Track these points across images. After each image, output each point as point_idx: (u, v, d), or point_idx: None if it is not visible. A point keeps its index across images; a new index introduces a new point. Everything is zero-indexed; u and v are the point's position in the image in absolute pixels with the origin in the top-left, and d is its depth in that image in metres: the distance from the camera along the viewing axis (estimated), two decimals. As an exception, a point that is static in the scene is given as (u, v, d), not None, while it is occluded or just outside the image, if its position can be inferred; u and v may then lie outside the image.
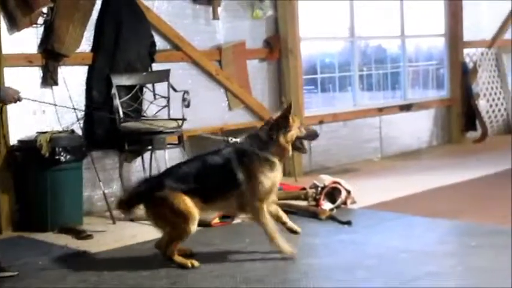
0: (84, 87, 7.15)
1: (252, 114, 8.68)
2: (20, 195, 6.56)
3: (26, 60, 6.73)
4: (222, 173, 5.14)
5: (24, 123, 6.65)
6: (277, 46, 8.82)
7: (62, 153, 6.40)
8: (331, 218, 6.43)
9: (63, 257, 5.57)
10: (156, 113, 7.39)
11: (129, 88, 7.26)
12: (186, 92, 7.29)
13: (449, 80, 11.36)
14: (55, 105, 6.58)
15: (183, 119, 7.05)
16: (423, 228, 6.16)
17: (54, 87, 6.88)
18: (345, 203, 6.89)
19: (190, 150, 7.53)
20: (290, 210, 6.66)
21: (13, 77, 6.47)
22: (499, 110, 12.02)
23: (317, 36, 9.67)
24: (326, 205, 6.75)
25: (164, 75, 7.47)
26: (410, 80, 10.99)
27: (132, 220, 6.50)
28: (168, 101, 7.39)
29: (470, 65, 11.62)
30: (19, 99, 5.38)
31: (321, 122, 9.25)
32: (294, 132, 5.24)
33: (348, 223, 6.24)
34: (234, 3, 8.43)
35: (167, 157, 6.85)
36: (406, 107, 10.57)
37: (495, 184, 7.99)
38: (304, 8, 9.07)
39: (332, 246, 5.70)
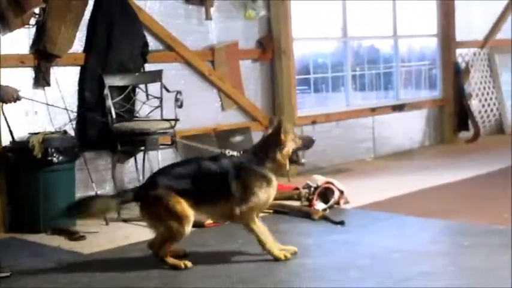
0: (76, 88, 7.14)
1: (245, 114, 8.68)
2: (12, 197, 6.54)
3: (18, 60, 6.72)
4: (217, 180, 5.15)
5: (17, 124, 6.62)
6: (270, 46, 8.82)
7: (54, 154, 6.39)
8: (324, 218, 6.44)
9: (56, 258, 5.55)
10: (148, 113, 7.38)
11: (121, 89, 7.25)
12: (178, 92, 7.28)
13: (441, 80, 11.38)
14: (53, 105, 6.56)
15: (176, 120, 7.04)
16: (416, 228, 6.17)
17: (46, 88, 6.87)
18: (337, 203, 6.90)
19: (183, 151, 7.52)
20: (283, 211, 6.68)
21: (5, 78, 6.44)
22: (491, 110, 12.06)
23: (310, 37, 9.68)
24: (319, 205, 6.75)
25: (157, 76, 7.46)
26: (403, 80, 11.01)
27: (125, 221, 6.49)
28: (161, 102, 7.38)
29: (463, 65, 11.65)
30: (18, 98, 5.37)
31: (313, 122, 9.27)
32: (290, 146, 5.25)
33: (341, 223, 6.25)
34: (226, 4, 8.43)
35: (160, 158, 6.84)
36: (399, 107, 10.58)
37: (488, 184, 8.01)
38: (296, 8, 9.07)
39: (325, 246, 5.70)
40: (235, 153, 5.39)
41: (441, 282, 4.67)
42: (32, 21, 6.74)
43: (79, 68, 7.14)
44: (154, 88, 7.45)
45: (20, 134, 6.56)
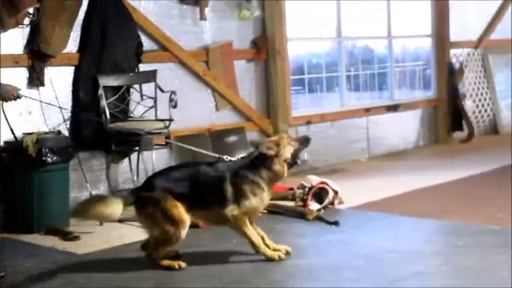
0: (70, 88, 7.13)
1: (239, 114, 8.68)
2: (6, 197, 6.50)
3: (12, 61, 6.70)
4: (212, 186, 5.15)
5: (11, 124, 6.60)
6: (265, 47, 8.82)
7: (48, 154, 6.38)
8: (319, 218, 6.44)
9: (51, 259, 5.54)
10: (143, 113, 7.38)
11: (116, 89, 7.24)
12: (173, 92, 7.27)
13: (435, 81, 11.40)
14: (50, 104, 6.54)
15: (170, 120, 7.04)
16: (410, 228, 6.17)
17: (40, 88, 6.86)
18: (332, 203, 6.90)
19: (177, 151, 7.52)
20: (277, 211, 6.67)
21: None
22: (486, 111, 12.08)
23: (304, 37, 9.68)
24: (313, 205, 6.75)
25: (151, 76, 7.46)
26: (397, 81, 11.02)
27: (119, 221, 6.48)
28: (155, 102, 7.37)
29: (457, 66, 11.66)
30: (18, 96, 5.37)
31: (308, 123, 9.27)
32: (287, 152, 5.24)
33: (335, 223, 6.25)
34: (221, 4, 8.42)
35: (154, 158, 6.84)
36: (393, 108, 10.59)
37: (482, 184, 8.03)
38: (291, 8, 9.08)
39: (319, 246, 5.70)
40: (233, 158, 5.39)
41: (435, 282, 4.67)
42: (26, 21, 6.73)
43: (73, 68, 7.13)
44: (148, 88, 7.44)
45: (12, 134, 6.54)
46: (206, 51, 8.32)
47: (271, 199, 6.42)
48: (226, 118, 8.53)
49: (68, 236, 6.16)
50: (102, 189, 7.21)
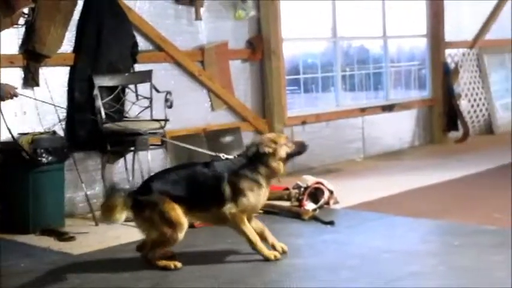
0: (65, 88, 7.11)
1: (235, 115, 8.68)
2: (1, 197, 6.51)
3: (7, 61, 6.65)
4: (210, 186, 5.16)
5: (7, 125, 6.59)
6: (260, 47, 8.81)
7: (43, 155, 6.37)
8: (314, 218, 6.44)
9: (46, 259, 5.53)
10: (138, 113, 7.37)
11: (111, 89, 7.23)
12: (168, 92, 7.26)
13: (431, 81, 11.41)
14: (46, 102, 6.52)
15: (166, 120, 7.03)
16: (406, 228, 6.18)
17: (35, 88, 6.84)
18: (327, 203, 6.91)
19: (173, 152, 7.51)
20: (273, 211, 6.67)
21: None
22: (481, 110, 12.10)
23: (300, 37, 9.68)
24: (309, 205, 6.76)
25: (146, 76, 7.45)
26: (393, 81, 11.03)
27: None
28: (151, 102, 7.36)
29: (452, 66, 11.68)
30: (15, 95, 5.35)
31: (303, 123, 9.27)
32: (283, 152, 5.25)
33: (331, 223, 6.25)
34: (216, 4, 8.42)
35: (150, 158, 6.84)
36: (389, 108, 10.60)
37: (477, 184, 8.04)
38: (286, 8, 9.08)
39: (315, 246, 5.70)
40: (230, 156, 5.39)
41: (431, 282, 4.68)
42: (21, 21, 6.71)
43: (68, 68, 7.12)
44: (144, 88, 7.43)
45: (9, 134, 6.52)
46: (201, 51, 8.31)
47: (268, 199, 6.44)
48: (222, 118, 8.52)
49: (63, 237, 6.15)
50: (97, 189, 7.20)
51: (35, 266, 5.34)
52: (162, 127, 6.97)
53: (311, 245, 5.76)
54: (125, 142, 6.95)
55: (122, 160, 7.34)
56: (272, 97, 8.87)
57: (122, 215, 5.11)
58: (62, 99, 7.04)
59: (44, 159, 6.38)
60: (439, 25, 11.26)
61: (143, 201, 5.10)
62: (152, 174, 5.77)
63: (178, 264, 5.10)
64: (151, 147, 7.01)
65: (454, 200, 7.22)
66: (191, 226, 6.07)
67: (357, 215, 6.68)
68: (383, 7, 10.64)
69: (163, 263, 5.10)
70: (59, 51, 7.00)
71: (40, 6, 6.74)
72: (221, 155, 5.40)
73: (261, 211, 6.40)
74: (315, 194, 6.91)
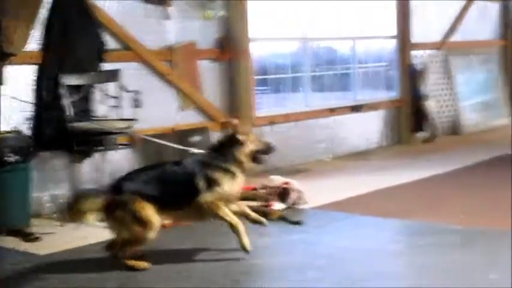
0: (31, 87, 7.03)
1: (203, 114, 8.66)
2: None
3: (-29, 59, 6.60)
4: (183, 183, 5.16)
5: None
6: (229, 47, 8.80)
7: (8, 154, 6.29)
8: (282, 218, 6.44)
9: (10, 260, 5.46)
10: (106, 113, 7.31)
11: (78, 88, 7.17)
12: (136, 92, 7.22)
13: (399, 82, 11.48)
14: (15, 99, 6.45)
15: (134, 119, 6.98)
16: (373, 228, 6.20)
17: (0, 87, 6.75)
18: (296, 203, 6.91)
19: (141, 151, 7.47)
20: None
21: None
22: (448, 111, 12.21)
23: (268, 37, 9.68)
24: (277, 205, 6.75)
25: (114, 75, 7.39)
26: (361, 81, 11.08)
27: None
28: (119, 101, 7.31)
29: (419, 67, 11.75)
30: None
31: (272, 123, 9.27)
32: (251, 147, 5.32)
33: (298, 223, 6.26)
34: (185, 4, 8.39)
35: (117, 158, 6.79)
36: (357, 108, 10.65)
37: (445, 184, 8.10)
38: (255, 8, 9.07)
39: (283, 246, 5.71)
40: (201, 151, 5.40)
41: (398, 282, 4.69)
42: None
43: (35, 66, 7.04)
44: (112, 88, 7.37)
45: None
46: (170, 51, 8.28)
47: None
48: (190, 118, 8.50)
49: (28, 237, 6.08)
50: (64, 189, 7.12)
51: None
52: (130, 127, 6.92)
53: (279, 245, 5.76)
54: (91, 141, 6.89)
55: (89, 159, 7.27)
56: (240, 97, 8.87)
57: (91, 215, 5.07)
58: (27, 98, 6.96)
59: (9, 159, 6.29)
60: (406, 26, 11.33)
61: (114, 201, 5.06)
62: (122, 174, 5.72)
63: (147, 264, 5.06)
64: (119, 146, 6.96)
65: (421, 199, 7.26)
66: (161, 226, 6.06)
67: (325, 215, 6.69)
68: (352, 8, 10.65)
69: (132, 262, 5.06)
70: (26, 49, 6.91)
71: (5, 4, 6.65)
72: (191, 149, 5.41)
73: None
74: (283, 194, 6.90)
